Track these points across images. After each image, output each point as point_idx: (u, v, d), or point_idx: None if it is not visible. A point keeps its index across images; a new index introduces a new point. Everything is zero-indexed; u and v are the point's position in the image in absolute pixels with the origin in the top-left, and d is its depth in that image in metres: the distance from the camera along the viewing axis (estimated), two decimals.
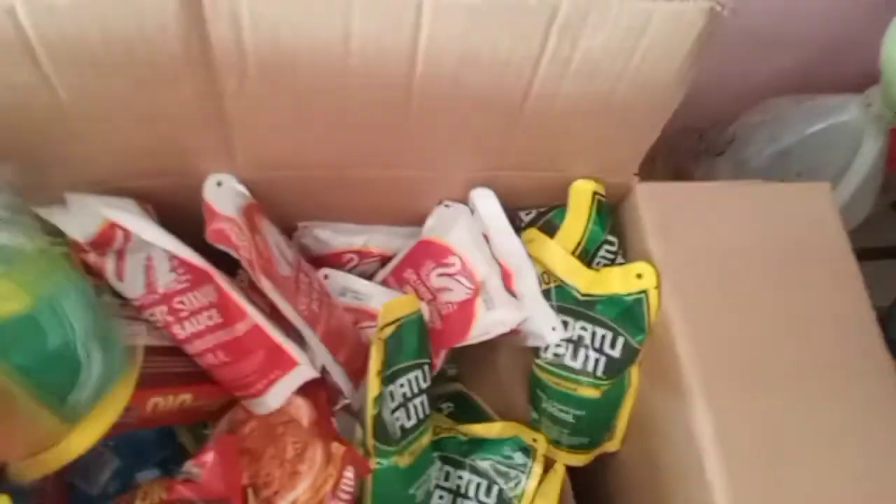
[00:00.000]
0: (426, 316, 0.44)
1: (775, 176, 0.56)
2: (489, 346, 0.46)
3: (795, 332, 0.41)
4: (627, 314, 0.43)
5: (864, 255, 0.44)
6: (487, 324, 0.45)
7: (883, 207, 0.76)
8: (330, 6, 0.32)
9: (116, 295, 0.41)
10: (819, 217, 0.44)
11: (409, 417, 0.41)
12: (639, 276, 0.42)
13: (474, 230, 0.47)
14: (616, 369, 0.45)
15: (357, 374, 0.44)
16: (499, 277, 0.45)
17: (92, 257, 0.39)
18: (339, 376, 0.42)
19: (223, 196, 0.41)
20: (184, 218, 0.39)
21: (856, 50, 0.62)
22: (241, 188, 0.42)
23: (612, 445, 0.49)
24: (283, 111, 0.37)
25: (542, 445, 0.46)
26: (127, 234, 0.39)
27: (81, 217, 0.38)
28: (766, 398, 0.39)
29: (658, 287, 0.42)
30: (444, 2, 0.32)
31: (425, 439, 0.43)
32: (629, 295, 0.43)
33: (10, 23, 0.30)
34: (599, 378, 0.45)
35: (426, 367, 0.43)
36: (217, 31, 0.32)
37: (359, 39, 0.33)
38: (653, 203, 0.43)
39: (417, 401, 0.42)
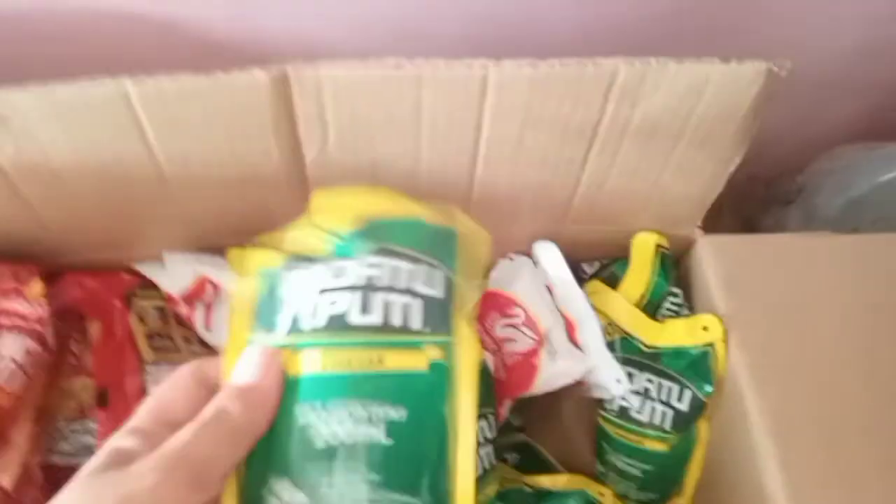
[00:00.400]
0: (491, 366, 0.45)
1: (848, 225, 0.55)
2: (554, 397, 0.46)
3: (871, 389, 0.39)
4: (694, 366, 0.43)
5: None
6: (551, 374, 0.45)
7: None
8: (402, 83, 0.35)
9: (203, 344, 0.44)
10: (891, 268, 0.43)
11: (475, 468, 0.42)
12: (705, 328, 0.42)
13: (538, 281, 0.48)
14: (683, 422, 0.44)
15: None
16: (563, 328, 0.46)
17: (184, 309, 0.42)
18: None
19: None
20: None
21: None
22: None
23: (681, 502, 0.48)
24: (357, 176, 0.40)
25: (609, 500, 0.46)
26: (216, 288, 0.42)
27: (177, 273, 0.42)
28: (841, 456, 0.38)
29: (725, 340, 0.42)
30: (508, 73, 0.34)
31: (490, 489, 0.43)
32: (695, 347, 0.43)
33: (124, 106, 0.35)
34: (667, 431, 0.44)
35: (491, 418, 0.44)
36: (302, 106, 0.36)
37: (429, 111, 0.36)
38: (718, 256, 0.43)
39: (483, 451, 0.43)
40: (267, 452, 0.24)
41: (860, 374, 0.40)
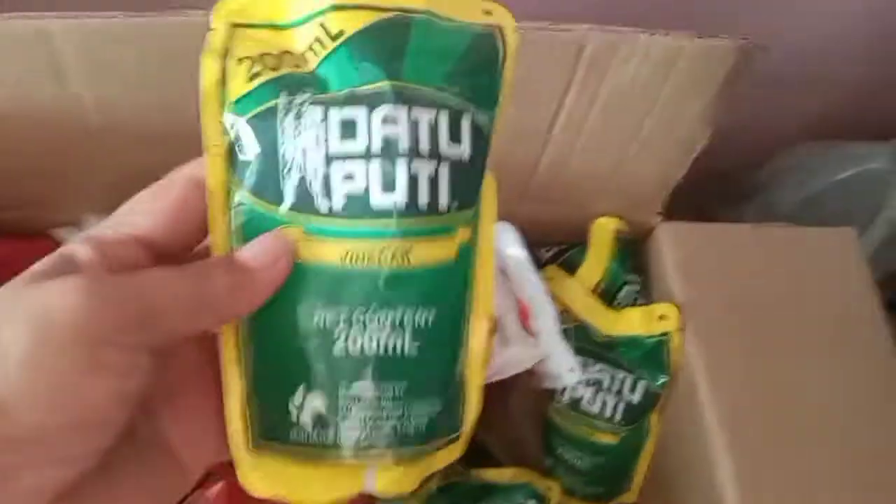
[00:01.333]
0: None
1: (804, 222, 0.55)
2: (502, 386, 0.44)
3: (827, 382, 0.39)
4: (649, 357, 0.42)
5: (892, 306, 0.43)
6: (502, 362, 0.43)
7: None
8: None
9: None
10: (845, 263, 0.43)
11: None
12: (661, 317, 0.41)
13: None
14: (636, 415, 0.43)
15: None
16: (516, 314, 0.44)
17: None
18: None
19: None
20: None
21: (885, 96, 0.61)
22: None
23: (629, 496, 0.47)
24: None
25: (555, 493, 0.44)
26: None
27: None
28: (791, 448, 0.37)
29: (681, 329, 0.41)
30: None
31: (433, 483, 0.41)
32: (651, 337, 0.42)
33: (45, 43, 0.31)
34: (618, 424, 0.43)
35: None
36: None
37: None
38: (676, 243, 0.42)
39: None
40: (281, 356, 0.21)
41: (816, 366, 0.39)
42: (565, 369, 0.44)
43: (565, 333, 0.44)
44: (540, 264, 0.47)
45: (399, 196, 0.20)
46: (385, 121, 0.20)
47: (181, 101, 0.34)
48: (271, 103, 0.20)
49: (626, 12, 0.50)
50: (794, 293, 0.42)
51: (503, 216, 0.45)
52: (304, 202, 0.20)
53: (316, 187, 0.20)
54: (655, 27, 0.34)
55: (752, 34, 0.38)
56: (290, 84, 0.21)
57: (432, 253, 0.21)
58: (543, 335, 0.44)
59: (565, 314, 0.45)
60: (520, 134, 0.37)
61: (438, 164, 0.21)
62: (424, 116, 0.20)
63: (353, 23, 0.21)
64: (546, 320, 0.44)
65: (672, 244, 0.42)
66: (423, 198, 0.20)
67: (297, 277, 0.20)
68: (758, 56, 0.34)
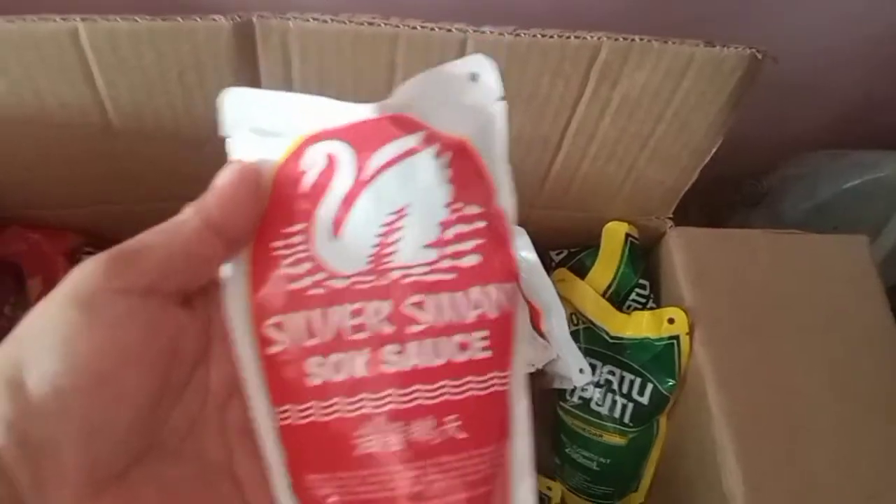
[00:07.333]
0: None
1: (810, 231, 0.55)
2: None
3: (829, 386, 0.39)
4: (658, 360, 0.42)
5: None
6: None
7: None
8: (376, 42, 0.33)
9: None
10: (856, 270, 0.43)
11: None
12: (670, 320, 0.42)
13: None
14: (644, 417, 0.43)
15: None
16: (527, 316, 0.45)
17: None
18: None
19: None
20: None
21: (895, 105, 0.61)
22: None
23: (636, 497, 0.47)
24: None
25: (557, 493, 0.45)
26: None
27: None
28: (799, 453, 0.37)
29: (690, 333, 0.41)
30: (488, 39, 0.33)
31: None
32: (660, 340, 0.42)
33: (71, 46, 0.32)
34: (626, 425, 0.43)
35: None
36: (266, 60, 0.34)
37: (403, 73, 0.34)
38: (687, 248, 0.43)
39: None
40: None
41: (823, 372, 0.40)
42: (575, 370, 0.44)
43: (575, 335, 0.45)
44: (550, 267, 0.47)
45: None
46: None
47: (200, 103, 0.35)
48: None
49: (639, 21, 0.50)
50: (804, 299, 0.42)
51: (516, 221, 0.46)
52: None
53: None
54: (667, 35, 0.34)
55: (762, 43, 0.38)
56: None
57: None
58: (554, 336, 0.45)
59: (575, 316, 0.45)
60: (532, 140, 0.38)
61: None
62: None
63: None
64: (557, 322, 0.45)
65: (682, 249, 0.43)
66: None
67: None
68: (768, 64, 0.35)
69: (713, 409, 0.38)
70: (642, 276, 0.45)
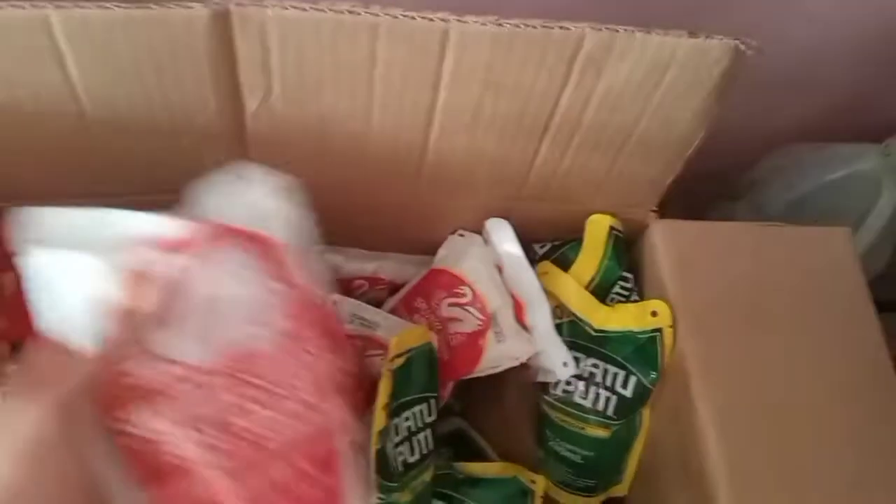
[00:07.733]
0: (435, 346, 0.43)
1: (791, 223, 0.56)
2: (496, 380, 0.45)
3: (812, 377, 0.40)
4: (641, 352, 0.42)
5: (881, 307, 0.43)
6: (497, 356, 0.44)
7: None
8: (356, 30, 0.32)
9: None
10: (838, 261, 0.43)
11: (412, 452, 0.40)
12: (654, 313, 0.42)
13: (487, 261, 0.46)
14: (627, 409, 0.43)
15: (360, 405, 0.42)
16: (511, 309, 0.45)
17: None
18: None
19: None
20: None
21: (878, 99, 0.62)
22: None
23: (620, 489, 0.48)
24: (304, 133, 0.37)
25: (540, 486, 0.45)
26: None
27: None
28: (783, 443, 0.38)
29: (673, 325, 0.41)
30: (470, 30, 0.32)
31: (427, 475, 0.42)
32: (643, 332, 0.42)
33: (44, 34, 0.31)
34: (609, 418, 0.43)
35: (432, 401, 0.42)
36: (244, 49, 0.33)
37: (384, 64, 0.33)
38: (670, 240, 0.43)
39: (422, 435, 0.41)
40: None
41: (807, 364, 0.40)
42: (559, 363, 0.44)
43: (559, 328, 0.45)
44: (534, 260, 0.47)
45: None
46: None
47: (176, 93, 0.34)
48: None
49: (623, 11, 0.50)
50: (787, 291, 0.42)
51: (499, 213, 0.46)
52: None
53: None
54: (651, 26, 0.34)
55: (745, 35, 0.38)
56: None
57: None
58: (538, 330, 0.44)
59: (559, 309, 0.45)
60: (516, 131, 0.37)
61: None
62: None
63: None
64: (540, 315, 0.45)
65: (666, 241, 0.43)
66: None
67: None
68: (752, 58, 0.35)
69: (696, 401, 0.38)
70: (626, 269, 0.45)
